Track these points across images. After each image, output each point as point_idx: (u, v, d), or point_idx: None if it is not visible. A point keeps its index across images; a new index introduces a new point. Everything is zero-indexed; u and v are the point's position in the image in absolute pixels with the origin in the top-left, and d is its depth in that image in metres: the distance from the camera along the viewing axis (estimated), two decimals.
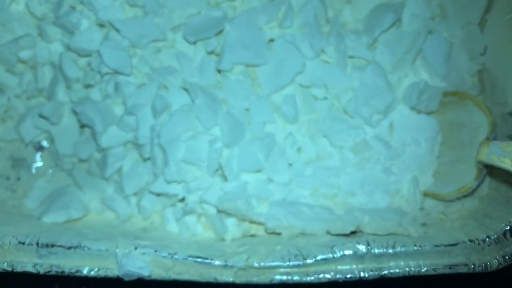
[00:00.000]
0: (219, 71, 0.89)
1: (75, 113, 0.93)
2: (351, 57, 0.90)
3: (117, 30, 0.88)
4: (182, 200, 0.88)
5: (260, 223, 0.86)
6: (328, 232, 0.83)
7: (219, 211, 0.85)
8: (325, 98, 0.90)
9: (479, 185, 0.86)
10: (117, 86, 0.89)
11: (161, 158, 0.86)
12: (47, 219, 0.91)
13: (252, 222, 0.86)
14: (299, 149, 0.89)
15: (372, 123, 0.87)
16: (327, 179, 0.86)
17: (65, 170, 0.98)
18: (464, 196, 0.87)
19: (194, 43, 0.90)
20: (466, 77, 0.92)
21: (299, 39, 0.88)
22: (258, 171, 0.87)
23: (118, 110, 0.91)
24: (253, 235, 0.88)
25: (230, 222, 0.86)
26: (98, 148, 0.92)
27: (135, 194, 0.91)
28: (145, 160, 0.90)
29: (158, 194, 0.89)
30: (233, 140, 0.85)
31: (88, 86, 0.94)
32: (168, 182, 0.86)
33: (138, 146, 0.90)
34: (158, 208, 0.91)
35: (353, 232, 0.84)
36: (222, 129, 0.85)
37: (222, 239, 0.87)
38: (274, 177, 0.86)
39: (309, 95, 0.89)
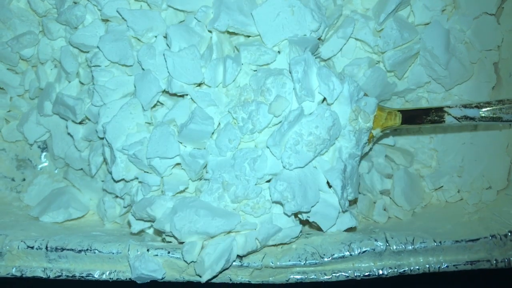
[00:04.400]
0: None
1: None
2: (356, 39, 0.89)
3: (124, 20, 0.85)
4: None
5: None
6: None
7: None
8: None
9: None
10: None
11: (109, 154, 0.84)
12: (46, 218, 0.89)
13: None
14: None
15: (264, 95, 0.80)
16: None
17: (63, 171, 0.98)
18: None
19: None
20: (468, 65, 0.90)
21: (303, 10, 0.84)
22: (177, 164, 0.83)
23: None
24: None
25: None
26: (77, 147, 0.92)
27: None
28: None
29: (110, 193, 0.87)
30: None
31: (88, 83, 0.92)
32: (117, 181, 0.84)
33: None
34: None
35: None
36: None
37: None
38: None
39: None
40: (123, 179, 0.83)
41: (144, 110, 0.83)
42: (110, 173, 0.83)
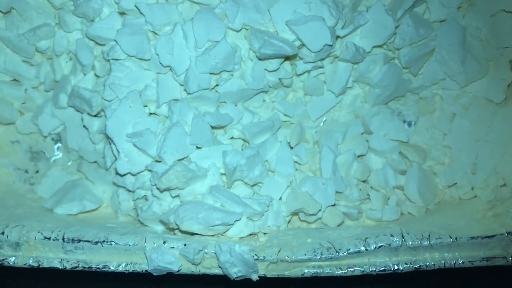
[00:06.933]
0: None
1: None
2: None
3: (142, 15, 0.85)
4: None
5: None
6: None
7: (162, 191, 0.83)
8: None
9: None
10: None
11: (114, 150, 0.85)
12: (60, 210, 0.90)
13: None
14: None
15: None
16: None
17: (76, 163, 0.98)
18: None
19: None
20: (484, 62, 0.90)
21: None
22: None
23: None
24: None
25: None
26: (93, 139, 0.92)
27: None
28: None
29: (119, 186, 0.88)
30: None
31: (104, 75, 0.92)
32: (122, 175, 0.85)
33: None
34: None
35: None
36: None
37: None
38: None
39: None
40: (129, 173, 0.84)
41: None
42: (115, 168, 0.84)
